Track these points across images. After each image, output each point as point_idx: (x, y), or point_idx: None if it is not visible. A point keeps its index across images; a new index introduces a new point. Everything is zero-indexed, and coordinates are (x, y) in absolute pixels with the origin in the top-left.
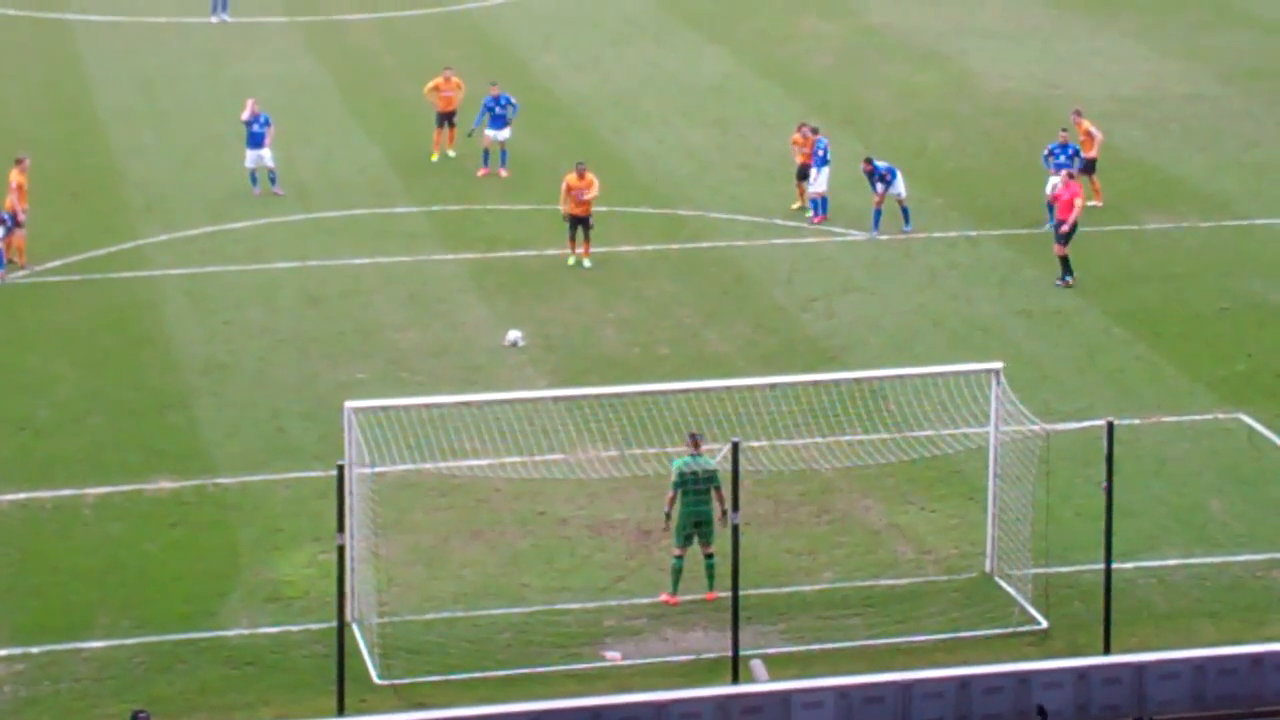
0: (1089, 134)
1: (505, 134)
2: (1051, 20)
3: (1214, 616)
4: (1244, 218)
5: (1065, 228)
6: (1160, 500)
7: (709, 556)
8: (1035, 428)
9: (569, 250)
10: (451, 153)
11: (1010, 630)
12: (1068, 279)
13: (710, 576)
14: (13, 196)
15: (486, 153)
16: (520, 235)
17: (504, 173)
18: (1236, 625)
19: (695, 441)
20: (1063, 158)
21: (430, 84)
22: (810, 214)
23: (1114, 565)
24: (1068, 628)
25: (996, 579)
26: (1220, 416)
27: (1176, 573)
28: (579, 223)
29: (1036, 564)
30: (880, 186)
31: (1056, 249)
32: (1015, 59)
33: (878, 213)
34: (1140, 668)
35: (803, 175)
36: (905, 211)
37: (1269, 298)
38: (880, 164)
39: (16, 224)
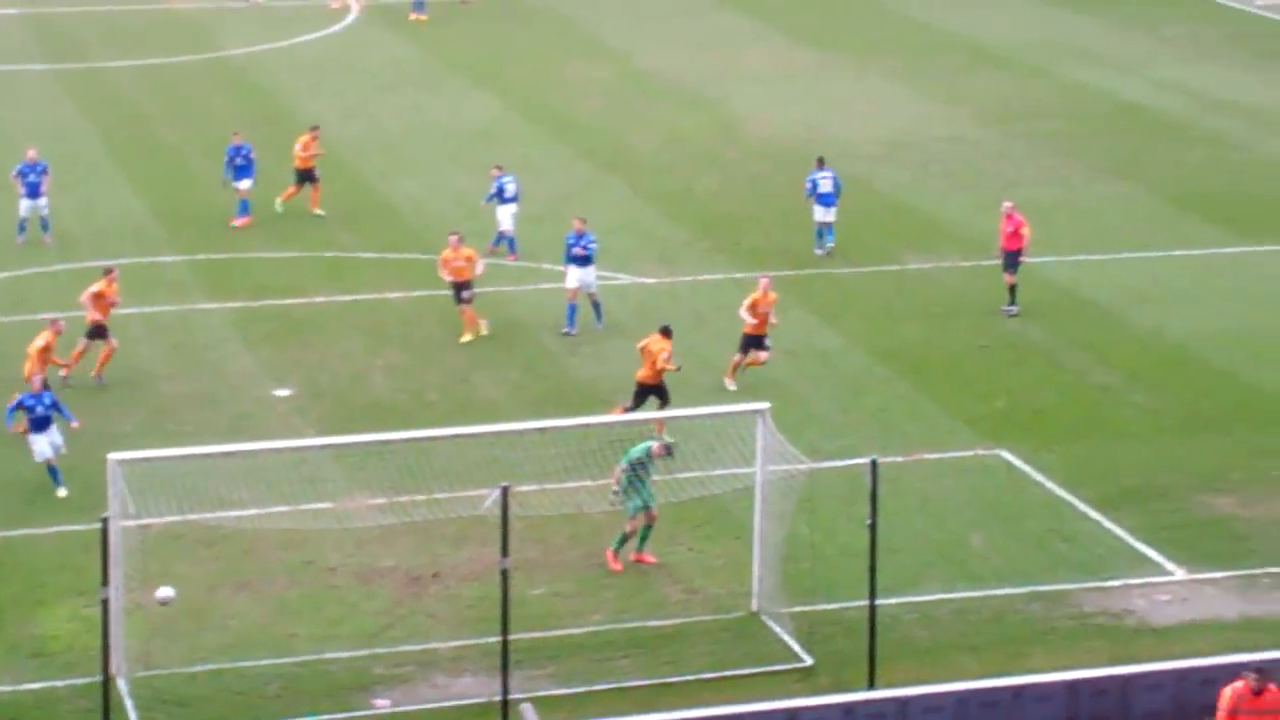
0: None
1: (246, 184)
2: (815, 64)
3: (976, 650)
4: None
5: (1023, 257)
6: (923, 536)
7: (648, 525)
8: (801, 466)
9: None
10: (319, 211)
11: (776, 668)
12: (1014, 308)
13: (642, 539)
14: None
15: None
16: (286, 283)
17: (237, 222)
18: (998, 658)
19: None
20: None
21: (300, 142)
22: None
23: (878, 601)
24: (833, 664)
25: (763, 617)
26: (980, 453)
27: (939, 607)
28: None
29: (802, 601)
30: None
31: (1007, 278)
32: (780, 103)
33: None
34: (904, 702)
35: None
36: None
37: (1027, 336)
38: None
39: None
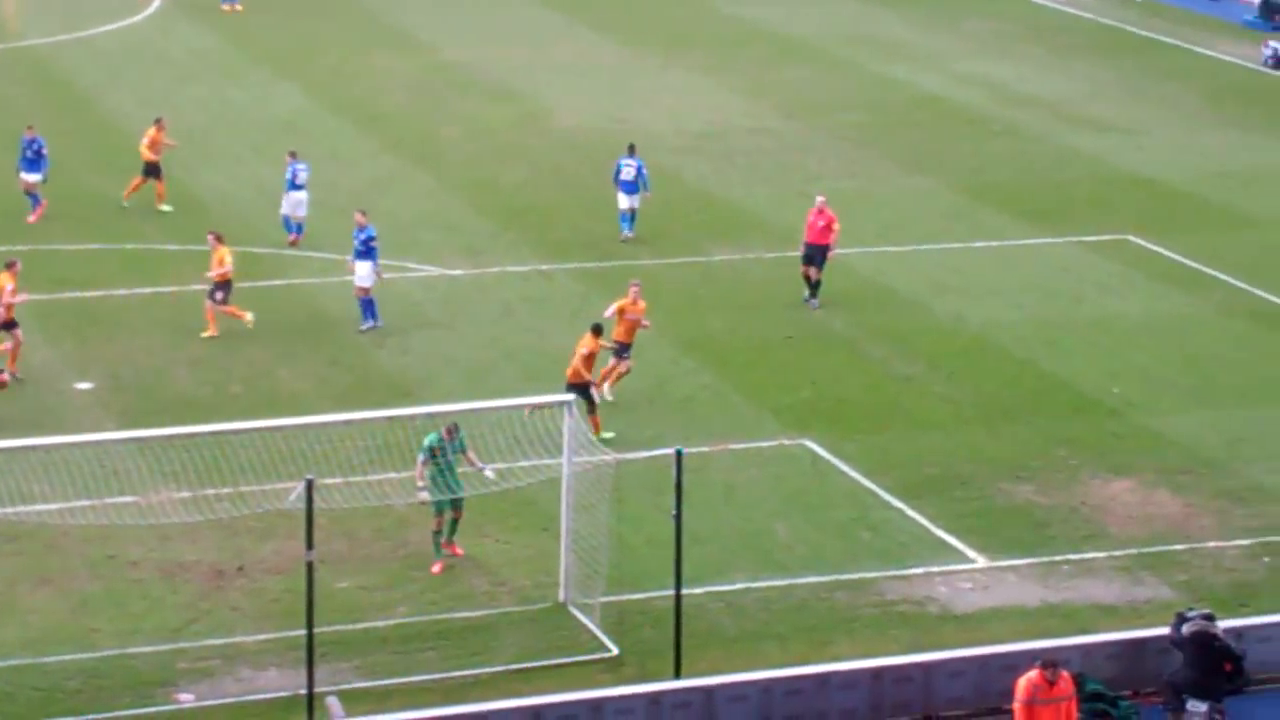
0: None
1: (36, 177)
2: (621, 57)
3: (780, 638)
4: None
5: (831, 252)
6: (728, 526)
7: (455, 520)
8: (607, 458)
9: None
10: (164, 207)
11: (582, 658)
12: (815, 301)
13: (451, 531)
14: None
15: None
16: (87, 275)
17: (31, 217)
18: (802, 646)
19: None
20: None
21: (146, 135)
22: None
23: (684, 591)
24: (639, 654)
25: (570, 608)
26: (785, 442)
27: (744, 596)
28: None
29: (609, 592)
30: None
31: (812, 272)
32: (586, 95)
33: None
34: (709, 691)
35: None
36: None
37: (831, 326)
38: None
39: None
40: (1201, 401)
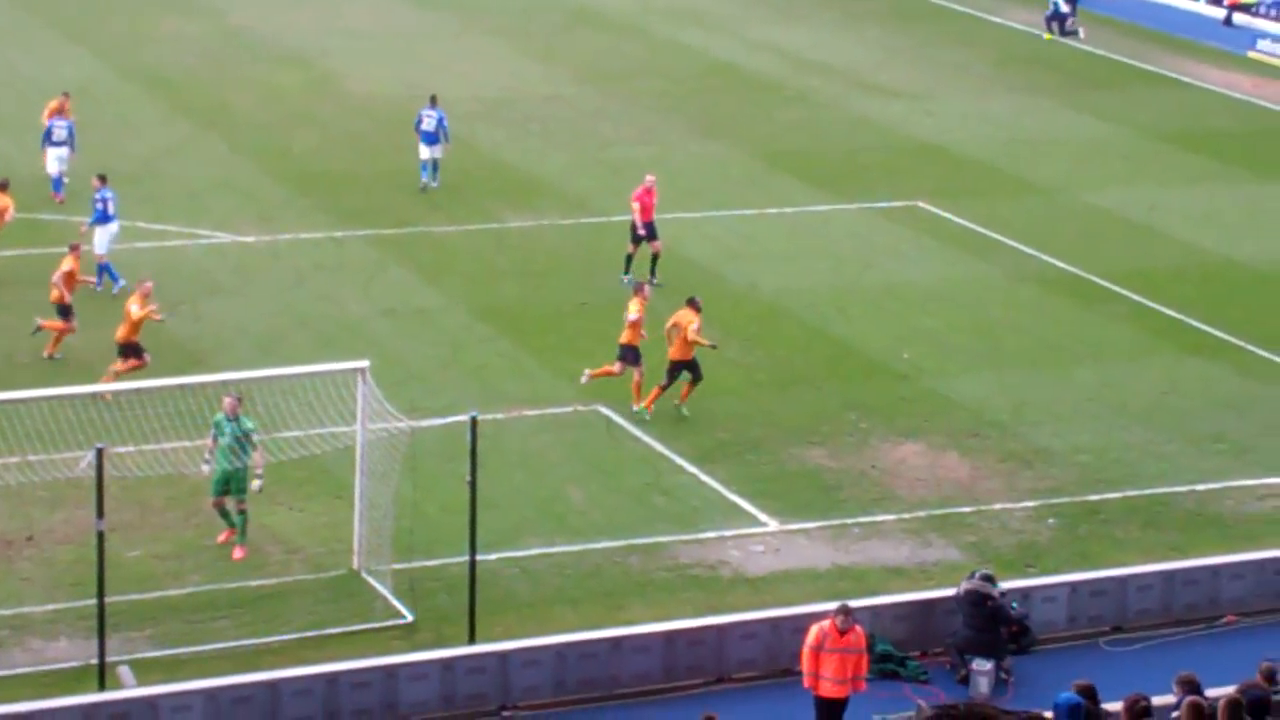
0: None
1: None
2: (416, 22)
3: (574, 603)
4: (601, 215)
5: (642, 231)
6: (522, 492)
7: (241, 512)
8: (401, 425)
9: None
10: None
11: (377, 625)
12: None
13: (241, 531)
14: None
15: None
16: None
17: None
18: (596, 610)
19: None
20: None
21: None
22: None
23: (478, 557)
24: (434, 620)
25: (364, 574)
26: (580, 409)
27: (539, 562)
28: None
29: (403, 559)
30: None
31: (654, 246)
32: (380, 60)
33: None
34: (504, 656)
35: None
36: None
37: (625, 292)
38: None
39: None
40: (989, 366)
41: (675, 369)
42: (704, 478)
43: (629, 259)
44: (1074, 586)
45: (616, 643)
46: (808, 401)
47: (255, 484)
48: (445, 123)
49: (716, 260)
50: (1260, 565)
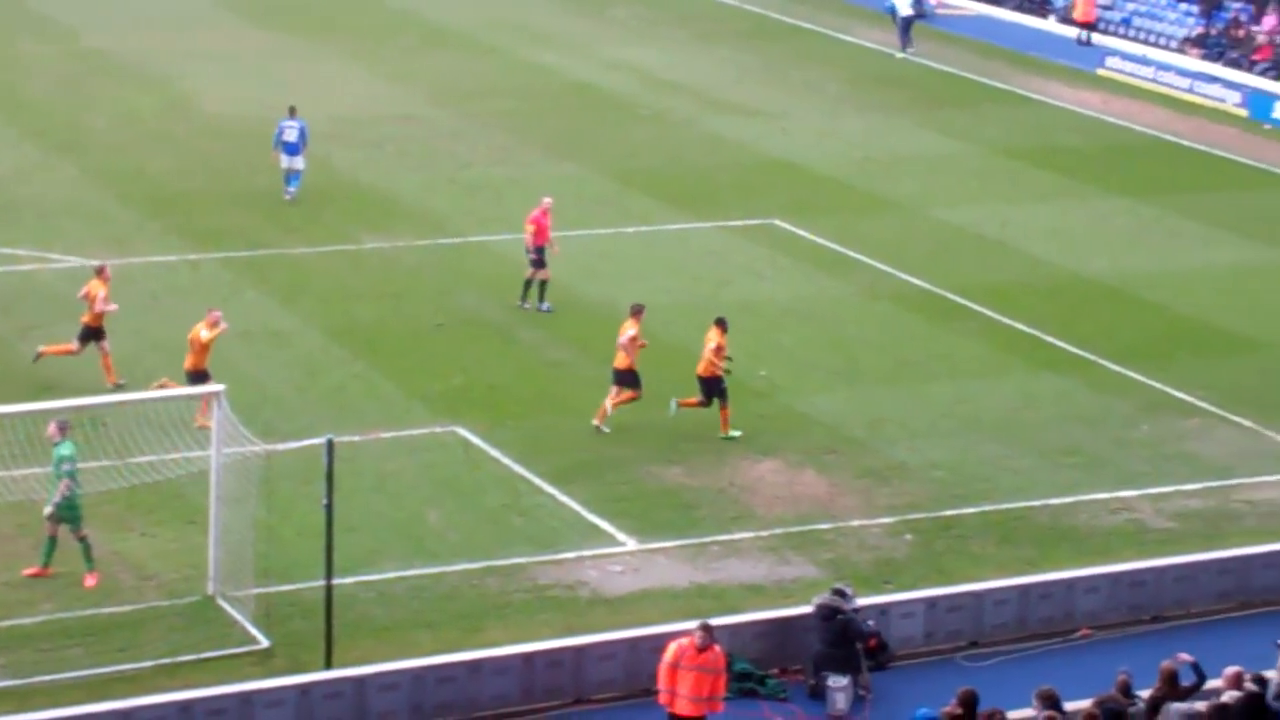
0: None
1: None
2: (269, 44)
3: (432, 626)
4: (458, 235)
5: (533, 255)
6: (380, 514)
7: (81, 539)
8: (256, 448)
9: None
10: None
11: (232, 651)
12: (543, 303)
13: (87, 558)
14: None
15: None
16: None
17: None
18: (454, 633)
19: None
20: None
21: None
22: None
23: (335, 581)
24: (290, 645)
25: (219, 600)
26: (437, 430)
27: (396, 585)
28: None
29: (259, 584)
30: None
31: (543, 274)
32: (233, 82)
33: None
34: (360, 681)
35: None
36: None
37: (482, 313)
38: None
39: None
40: (845, 382)
41: (708, 387)
42: (562, 498)
43: (528, 284)
44: (931, 602)
45: (474, 665)
46: (666, 420)
47: (46, 509)
48: (306, 133)
49: (574, 279)
50: (1114, 578)
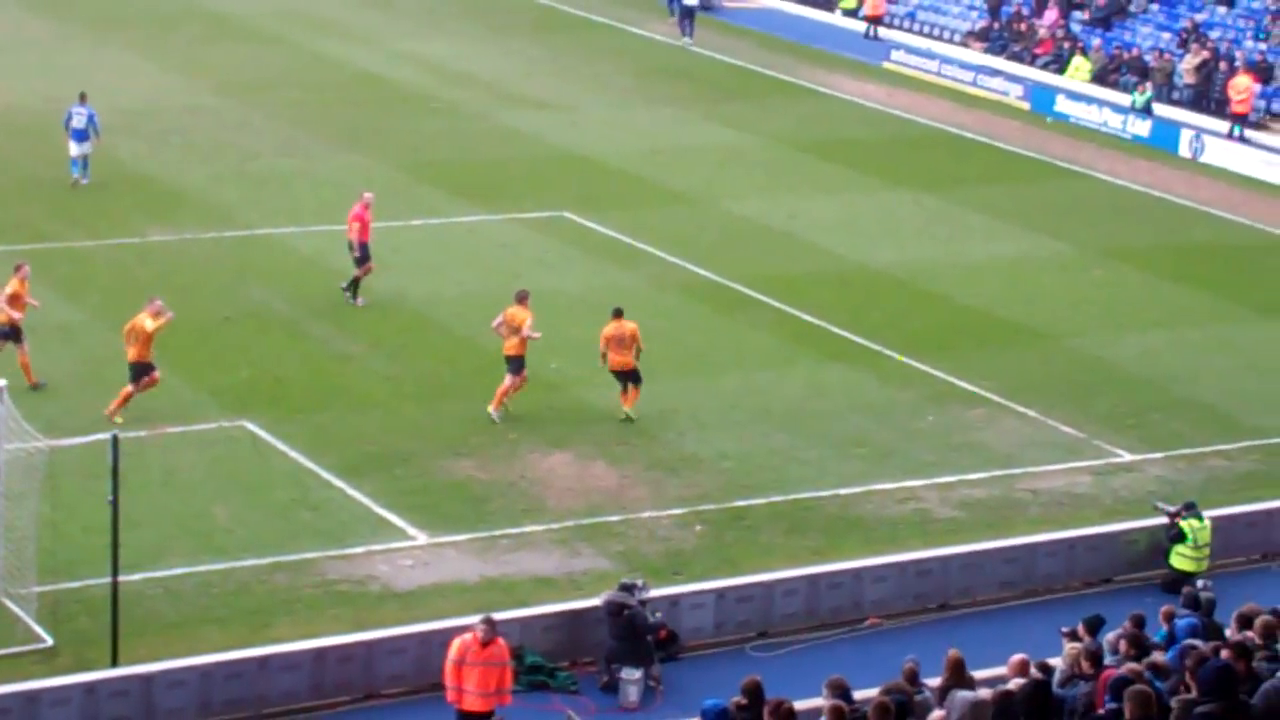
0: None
1: None
2: (51, 34)
3: (221, 622)
4: (245, 228)
5: (357, 252)
6: (167, 511)
7: None
8: (40, 444)
9: None
10: None
11: (16, 650)
12: (357, 299)
13: None
14: None
15: None
16: None
17: None
18: (242, 629)
19: None
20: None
21: None
22: None
23: (121, 578)
24: (76, 643)
25: (3, 599)
26: (225, 424)
27: (184, 581)
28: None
29: (43, 582)
30: None
31: (362, 270)
32: (15, 73)
33: None
34: (148, 678)
35: None
36: None
37: (270, 306)
38: None
39: None
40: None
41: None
42: (352, 492)
43: (355, 281)
44: (721, 593)
45: (263, 661)
46: (456, 413)
47: None
48: (96, 120)
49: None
50: (901, 567)
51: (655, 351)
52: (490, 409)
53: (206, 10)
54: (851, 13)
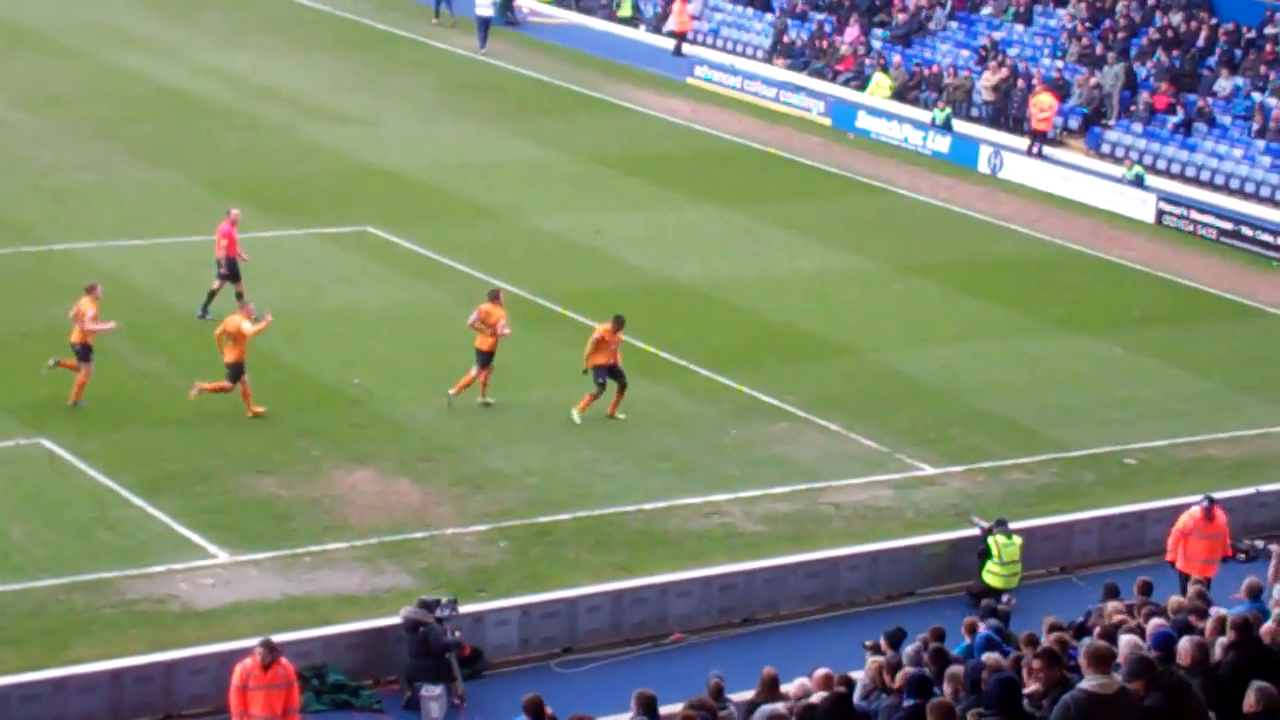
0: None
1: None
2: None
3: (16, 643)
4: (43, 244)
5: (224, 269)
6: None
7: None
8: None
9: None
10: None
11: None
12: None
13: None
14: None
15: None
16: None
17: None
18: (38, 651)
19: None
20: None
21: None
22: None
23: None
24: None
25: None
26: (21, 442)
27: None
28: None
29: None
30: None
31: (238, 286)
32: None
33: None
34: None
35: None
36: None
37: (68, 323)
38: None
39: None
40: (440, 389)
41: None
42: (152, 510)
43: (211, 295)
44: (525, 609)
45: (60, 683)
46: (258, 430)
47: None
48: None
49: (163, 287)
50: (706, 582)
51: (460, 367)
52: (451, 391)
53: (3, 22)
54: (656, 29)
